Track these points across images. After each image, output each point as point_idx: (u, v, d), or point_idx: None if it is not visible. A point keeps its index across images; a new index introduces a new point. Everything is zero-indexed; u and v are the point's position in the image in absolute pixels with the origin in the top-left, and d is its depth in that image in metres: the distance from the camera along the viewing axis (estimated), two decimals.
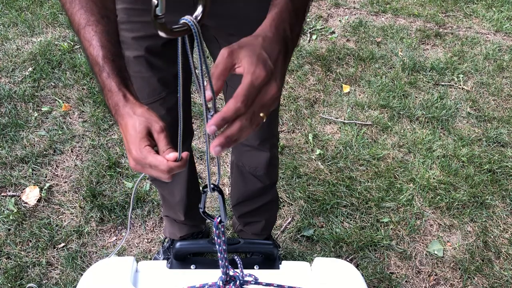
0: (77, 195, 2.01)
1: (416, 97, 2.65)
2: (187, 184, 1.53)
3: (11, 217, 1.89)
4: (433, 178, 2.16)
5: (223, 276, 0.82)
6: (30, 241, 1.84)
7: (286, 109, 2.50)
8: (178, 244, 1.02)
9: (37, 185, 2.03)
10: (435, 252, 1.88)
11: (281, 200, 2.02)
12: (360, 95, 2.65)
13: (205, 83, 0.62)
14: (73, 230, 1.87)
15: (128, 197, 1.99)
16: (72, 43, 2.85)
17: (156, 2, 0.52)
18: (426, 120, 2.48)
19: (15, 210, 1.91)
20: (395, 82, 2.73)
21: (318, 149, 2.28)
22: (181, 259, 1.03)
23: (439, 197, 2.08)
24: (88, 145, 2.23)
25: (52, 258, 1.79)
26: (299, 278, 0.99)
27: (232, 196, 1.64)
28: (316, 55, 2.91)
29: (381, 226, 1.96)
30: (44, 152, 2.18)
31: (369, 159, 2.24)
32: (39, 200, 1.98)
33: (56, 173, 2.11)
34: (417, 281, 1.79)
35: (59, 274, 1.73)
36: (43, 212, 1.94)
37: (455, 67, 2.88)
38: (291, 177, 2.12)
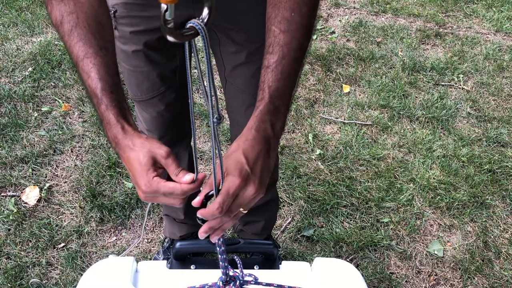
0: (77, 195, 2.01)
1: (416, 97, 2.65)
2: None
3: (11, 217, 1.89)
4: (433, 178, 2.16)
5: (223, 276, 0.82)
6: (30, 241, 1.84)
7: None
8: (178, 244, 1.02)
9: (37, 185, 2.03)
10: (435, 252, 1.88)
11: (281, 200, 2.02)
12: (360, 95, 2.65)
13: (207, 84, 0.64)
14: (73, 230, 1.87)
15: (128, 197, 1.99)
16: None
17: (165, 7, 0.53)
18: (426, 120, 2.48)
19: (15, 210, 1.91)
20: (395, 82, 2.73)
21: (318, 149, 2.28)
22: (181, 259, 1.03)
23: (439, 197, 2.08)
24: (88, 145, 2.23)
25: (52, 258, 1.78)
26: (299, 278, 0.99)
27: None
28: (316, 55, 2.90)
29: (381, 226, 1.96)
30: (44, 152, 2.18)
31: (369, 159, 2.24)
32: (39, 200, 1.98)
33: (56, 173, 2.11)
34: (417, 281, 1.79)
35: (59, 274, 1.73)
36: (43, 212, 1.94)
37: (455, 67, 2.88)
38: (291, 177, 2.12)
